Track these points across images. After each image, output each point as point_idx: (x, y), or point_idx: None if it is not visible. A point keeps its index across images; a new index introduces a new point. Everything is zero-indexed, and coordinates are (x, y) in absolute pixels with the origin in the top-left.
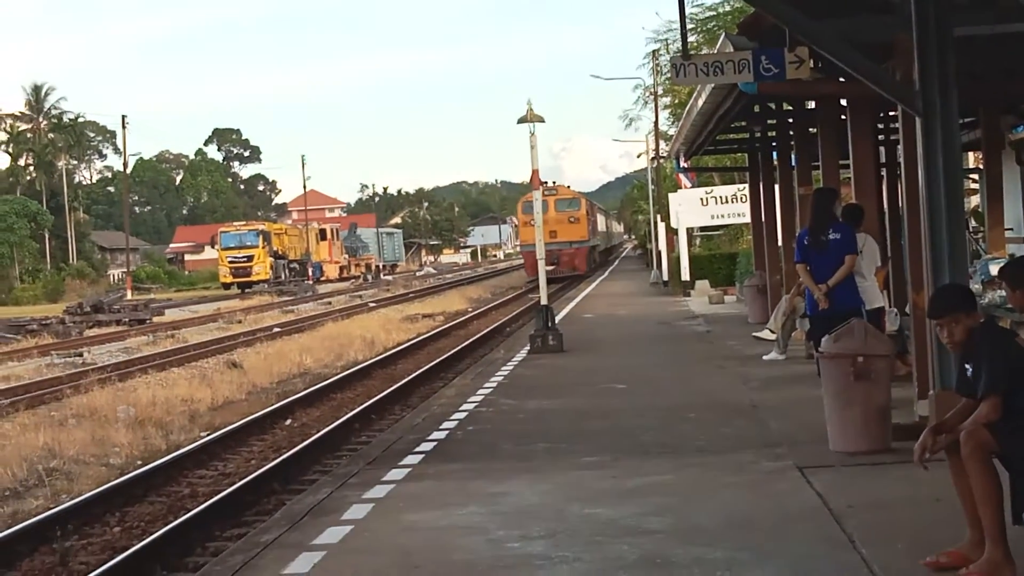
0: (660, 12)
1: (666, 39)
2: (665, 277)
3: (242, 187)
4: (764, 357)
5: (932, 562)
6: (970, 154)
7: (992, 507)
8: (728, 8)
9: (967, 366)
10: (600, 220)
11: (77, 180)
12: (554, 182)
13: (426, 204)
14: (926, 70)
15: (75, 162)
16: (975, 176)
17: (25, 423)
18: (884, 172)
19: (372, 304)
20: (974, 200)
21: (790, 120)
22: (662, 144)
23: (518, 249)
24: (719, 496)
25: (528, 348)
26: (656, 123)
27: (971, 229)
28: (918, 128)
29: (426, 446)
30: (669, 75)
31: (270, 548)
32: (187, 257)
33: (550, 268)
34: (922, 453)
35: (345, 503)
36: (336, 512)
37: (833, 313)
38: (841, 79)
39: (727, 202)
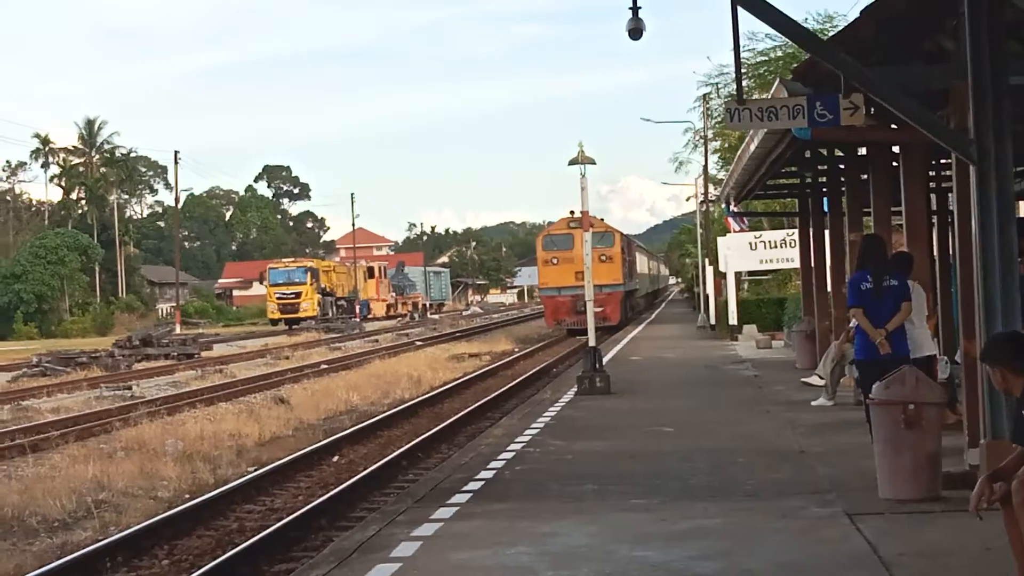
0: (711, 56)
1: (717, 83)
2: (712, 321)
3: (291, 224)
4: (812, 403)
5: None
6: (1022, 203)
7: None
8: (780, 54)
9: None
10: (642, 260)
11: (128, 214)
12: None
13: (473, 244)
14: (981, 118)
15: (126, 196)
16: None
17: (75, 455)
18: (935, 219)
19: (419, 343)
20: None
21: (841, 166)
22: (711, 188)
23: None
24: (768, 541)
25: (575, 389)
26: (706, 166)
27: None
28: (972, 176)
29: (474, 485)
30: (720, 119)
31: None
32: (235, 293)
33: (572, 320)
34: (978, 502)
35: (393, 540)
36: (385, 549)
37: (883, 360)
38: (894, 126)
39: (776, 247)
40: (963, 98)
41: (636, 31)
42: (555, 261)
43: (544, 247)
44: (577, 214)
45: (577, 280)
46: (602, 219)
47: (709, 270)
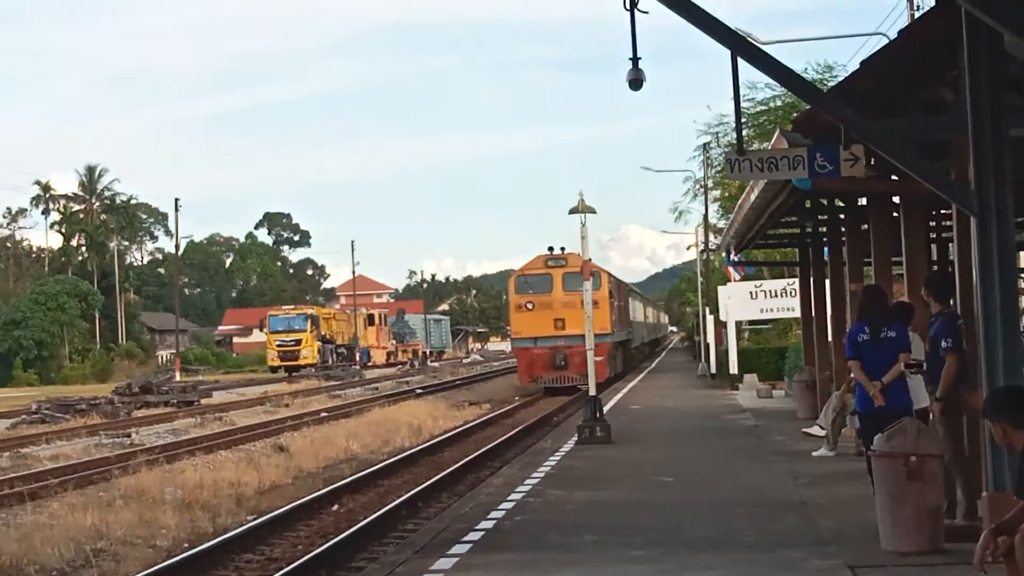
0: (712, 105)
1: (717, 132)
2: (713, 370)
3: (291, 271)
4: (814, 453)
5: None
6: (1022, 253)
7: None
8: (780, 103)
9: None
10: (637, 307)
11: (128, 261)
12: (563, 248)
13: (474, 291)
14: (982, 170)
15: (127, 243)
16: None
17: (73, 503)
18: (936, 269)
19: (419, 391)
20: None
21: (841, 216)
22: (711, 236)
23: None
24: None
25: (576, 439)
26: (706, 215)
27: None
28: (973, 227)
29: (474, 535)
30: (720, 168)
31: None
32: (235, 340)
33: (550, 376)
34: (983, 555)
35: None
36: None
37: (884, 411)
38: (895, 177)
39: (776, 296)
40: (963, 150)
41: (636, 82)
42: (530, 306)
43: (517, 290)
44: (556, 251)
45: (556, 329)
46: (593, 264)
47: (710, 319)
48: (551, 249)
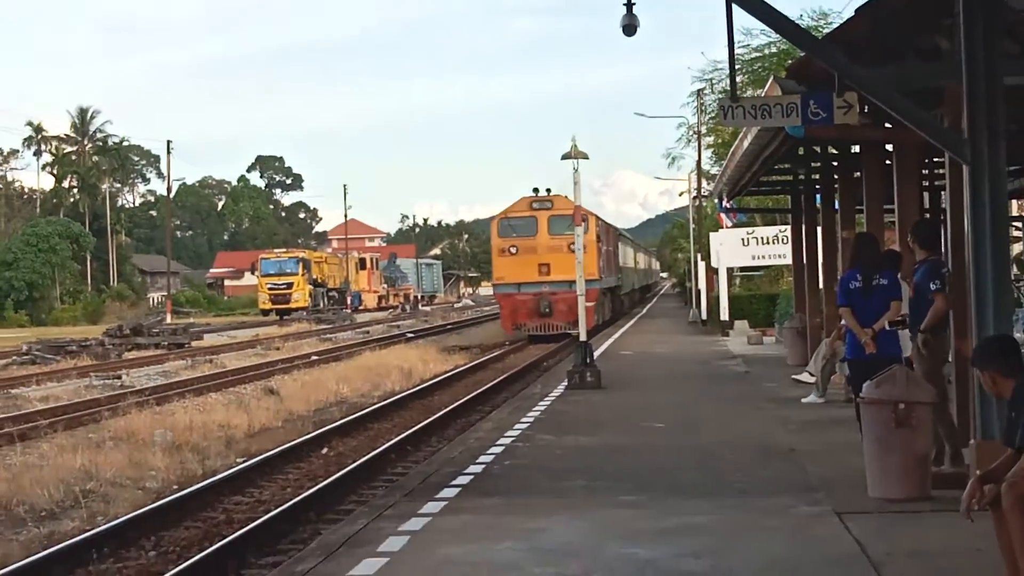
0: (706, 52)
1: (711, 79)
2: (704, 316)
3: (283, 214)
4: (803, 400)
5: None
6: (1014, 202)
7: None
8: (775, 50)
9: (1013, 415)
10: (627, 252)
11: (120, 203)
12: (548, 190)
13: (466, 236)
14: (975, 119)
15: (118, 185)
16: (1019, 224)
17: (63, 444)
18: (928, 217)
19: (410, 335)
20: (1016, 248)
21: (834, 164)
22: (704, 183)
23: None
24: (757, 539)
25: (566, 384)
26: (699, 162)
27: (1013, 277)
28: (965, 176)
29: (463, 479)
30: (714, 115)
31: None
32: (227, 283)
33: (534, 324)
34: (969, 503)
35: (381, 535)
36: (372, 543)
37: (874, 359)
38: (888, 125)
39: (768, 243)
40: (957, 98)
41: (630, 27)
42: (513, 250)
43: (500, 233)
44: (542, 192)
45: (541, 274)
46: (573, 204)
47: (701, 265)
48: (536, 191)
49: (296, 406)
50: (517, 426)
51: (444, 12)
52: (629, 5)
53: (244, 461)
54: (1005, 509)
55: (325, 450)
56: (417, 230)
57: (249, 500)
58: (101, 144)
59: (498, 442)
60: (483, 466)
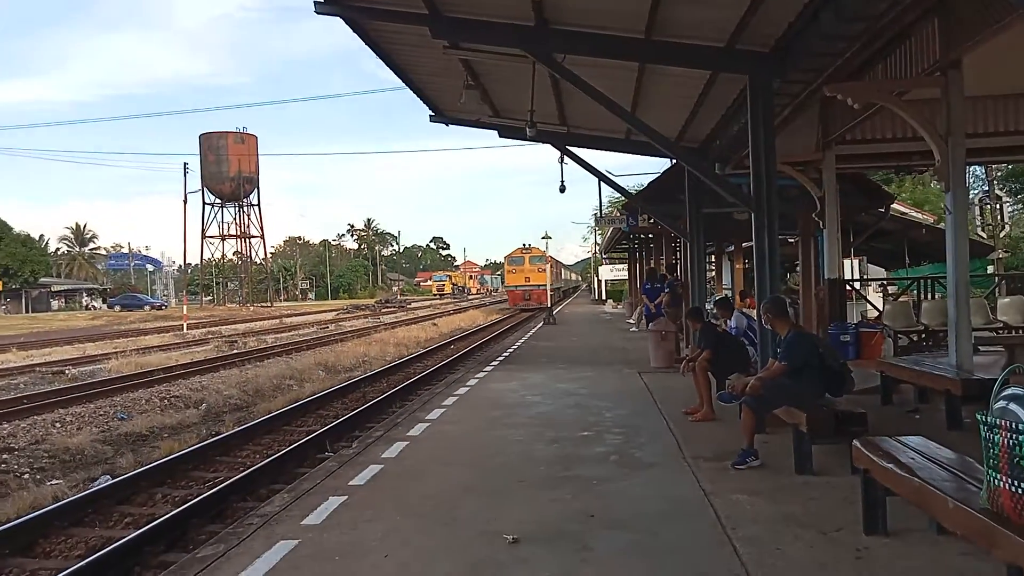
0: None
1: (602, 207)
2: (596, 297)
3: (440, 255)
4: (631, 329)
5: (685, 411)
6: (713, 256)
7: (706, 390)
8: (621, 197)
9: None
10: (563, 272)
11: (379, 252)
12: (529, 245)
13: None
14: (692, 224)
15: (379, 247)
16: (712, 266)
17: (356, 343)
18: (677, 258)
19: (482, 304)
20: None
21: (644, 238)
22: (597, 248)
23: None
24: (608, 381)
25: (542, 323)
26: (595, 240)
27: (709, 283)
28: (688, 246)
29: (499, 360)
30: (600, 223)
31: (436, 397)
32: (421, 283)
33: (523, 303)
34: (683, 368)
35: (467, 378)
36: (463, 383)
37: (653, 315)
38: (660, 224)
39: (621, 271)
40: (686, 216)
41: (562, 188)
42: (513, 271)
43: (508, 264)
44: (527, 244)
45: (525, 282)
46: (542, 251)
47: (598, 275)
48: (524, 245)
49: (444, 330)
50: (522, 339)
51: None
52: (562, 187)
53: (422, 350)
54: (696, 371)
55: (453, 345)
56: (486, 262)
57: (424, 363)
58: (376, 233)
59: (515, 345)
60: (508, 354)
